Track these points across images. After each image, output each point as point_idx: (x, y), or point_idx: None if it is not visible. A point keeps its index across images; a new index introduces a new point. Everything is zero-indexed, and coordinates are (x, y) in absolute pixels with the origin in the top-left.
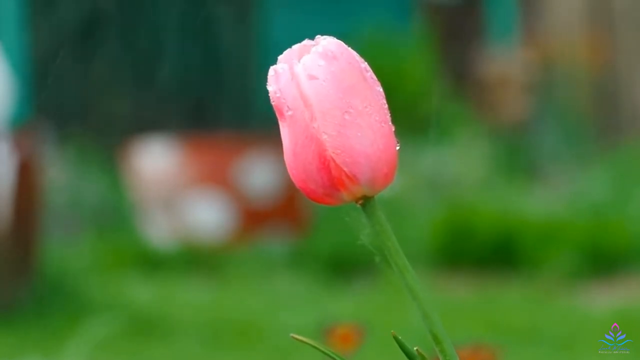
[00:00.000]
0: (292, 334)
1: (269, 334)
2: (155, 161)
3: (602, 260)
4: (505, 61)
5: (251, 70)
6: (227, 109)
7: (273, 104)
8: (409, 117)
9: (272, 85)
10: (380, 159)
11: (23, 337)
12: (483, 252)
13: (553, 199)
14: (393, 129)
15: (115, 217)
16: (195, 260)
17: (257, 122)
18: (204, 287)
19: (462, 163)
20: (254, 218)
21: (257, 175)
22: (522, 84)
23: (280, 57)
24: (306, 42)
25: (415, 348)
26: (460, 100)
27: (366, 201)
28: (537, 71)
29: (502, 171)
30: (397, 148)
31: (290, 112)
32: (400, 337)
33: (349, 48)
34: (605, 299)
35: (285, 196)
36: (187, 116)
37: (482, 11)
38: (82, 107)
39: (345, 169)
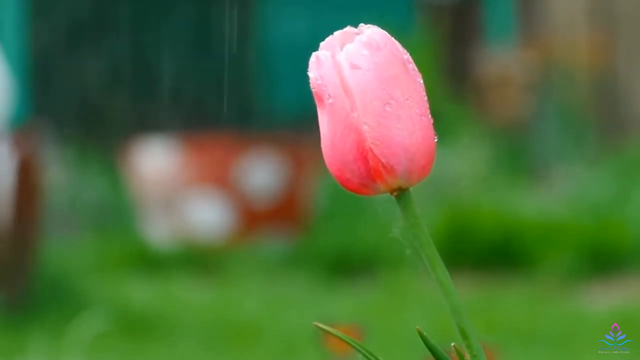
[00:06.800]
0: (315, 322)
1: (269, 334)
2: (155, 161)
3: (602, 261)
4: (505, 61)
5: (251, 70)
6: (227, 109)
7: (313, 90)
8: None
9: (314, 72)
10: (418, 151)
11: (22, 336)
12: (483, 252)
13: (553, 199)
14: (432, 122)
15: (115, 217)
16: (195, 260)
17: (257, 122)
18: (204, 287)
19: (462, 163)
20: (254, 218)
21: (257, 175)
22: (522, 84)
23: (322, 44)
24: (348, 29)
25: (452, 344)
26: (461, 100)
27: (401, 193)
28: (537, 71)
29: (502, 171)
30: (435, 140)
31: (330, 100)
32: (424, 333)
33: (393, 38)
34: (605, 299)
35: (285, 196)
36: (187, 116)
37: (482, 11)
38: (82, 107)
39: (383, 160)
